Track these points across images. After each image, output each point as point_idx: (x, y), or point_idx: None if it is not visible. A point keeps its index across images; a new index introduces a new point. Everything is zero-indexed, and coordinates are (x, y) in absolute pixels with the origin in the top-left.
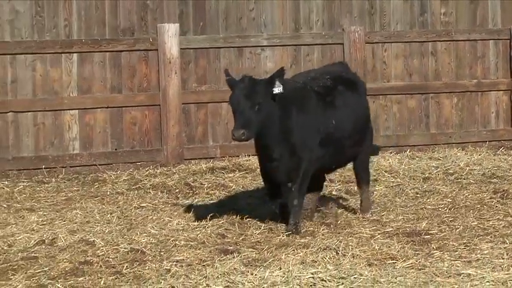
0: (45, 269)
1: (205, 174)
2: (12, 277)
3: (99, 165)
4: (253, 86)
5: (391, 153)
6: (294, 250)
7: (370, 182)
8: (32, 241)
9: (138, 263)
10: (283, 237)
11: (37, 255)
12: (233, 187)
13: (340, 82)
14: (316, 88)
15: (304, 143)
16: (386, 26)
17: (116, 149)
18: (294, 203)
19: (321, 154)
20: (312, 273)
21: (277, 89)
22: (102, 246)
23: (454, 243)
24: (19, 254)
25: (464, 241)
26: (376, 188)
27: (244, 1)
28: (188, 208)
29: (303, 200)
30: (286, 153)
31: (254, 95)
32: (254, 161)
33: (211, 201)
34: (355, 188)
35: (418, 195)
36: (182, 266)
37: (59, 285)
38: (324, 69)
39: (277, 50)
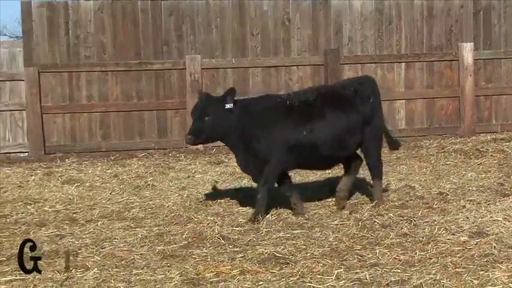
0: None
1: (490, 143)
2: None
3: (418, 136)
4: (206, 102)
5: None
6: None
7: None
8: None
9: (443, 201)
10: None
11: None
12: (509, 152)
13: (323, 98)
14: (297, 103)
15: (267, 148)
16: None
17: (429, 126)
18: (258, 196)
19: (291, 157)
20: None
21: (229, 105)
22: (420, 190)
23: None
24: (365, 194)
25: None
26: None
27: None
28: (478, 165)
29: (266, 195)
30: (250, 156)
31: (204, 109)
32: None
33: (494, 161)
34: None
35: None
36: (473, 204)
37: (391, 214)
38: (333, 84)
39: None
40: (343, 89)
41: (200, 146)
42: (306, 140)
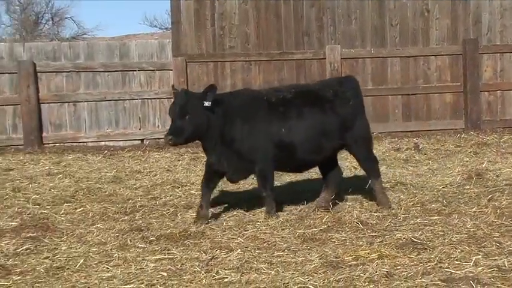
0: None
1: None
2: (485, 200)
3: None
4: (186, 99)
5: None
6: None
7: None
8: None
9: None
10: None
11: None
12: None
13: (301, 96)
14: (274, 99)
15: (250, 147)
16: None
17: None
18: (262, 194)
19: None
20: None
21: (207, 103)
22: None
23: None
24: (503, 181)
25: None
26: None
27: None
28: None
29: (271, 192)
30: (229, 154)
31: (185, 107)
32: None
33: None
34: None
35: None
36: None
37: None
38: (313, 83)
39: None
40: (322, 90)
41: None
42: (287, 138)
